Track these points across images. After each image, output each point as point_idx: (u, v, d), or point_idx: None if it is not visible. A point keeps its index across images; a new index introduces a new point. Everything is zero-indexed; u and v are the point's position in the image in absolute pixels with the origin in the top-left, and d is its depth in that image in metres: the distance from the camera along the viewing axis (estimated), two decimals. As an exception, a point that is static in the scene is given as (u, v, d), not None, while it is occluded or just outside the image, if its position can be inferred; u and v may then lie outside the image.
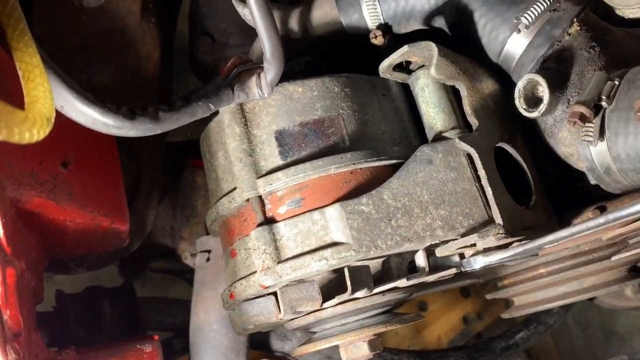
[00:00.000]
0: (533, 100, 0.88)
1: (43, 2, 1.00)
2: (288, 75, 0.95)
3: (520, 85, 0.88)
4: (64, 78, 0.72)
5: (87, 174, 0.91)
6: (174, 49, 1.38)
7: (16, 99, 0.64)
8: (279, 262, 0.86)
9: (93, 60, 1.08)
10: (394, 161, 0.93)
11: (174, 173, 1.41)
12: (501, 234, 0.86)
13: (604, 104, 0.81)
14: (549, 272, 1.22)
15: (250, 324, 0.94)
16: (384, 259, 0.94)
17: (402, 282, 0.90)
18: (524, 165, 0.99)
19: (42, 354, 0.84)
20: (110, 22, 1.04)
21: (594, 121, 0.81)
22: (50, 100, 0.61)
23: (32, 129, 0.51)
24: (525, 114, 0.88)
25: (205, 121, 0.98)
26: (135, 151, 1.17)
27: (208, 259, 1.24)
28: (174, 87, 1.41)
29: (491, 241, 0.86)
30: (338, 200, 0.87)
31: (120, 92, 1.12)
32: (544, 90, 0.85)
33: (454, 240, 0.89)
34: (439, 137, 0.94)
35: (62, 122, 0.70)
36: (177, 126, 0.84)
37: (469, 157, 0.91)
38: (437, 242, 0.89)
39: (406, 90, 1.02)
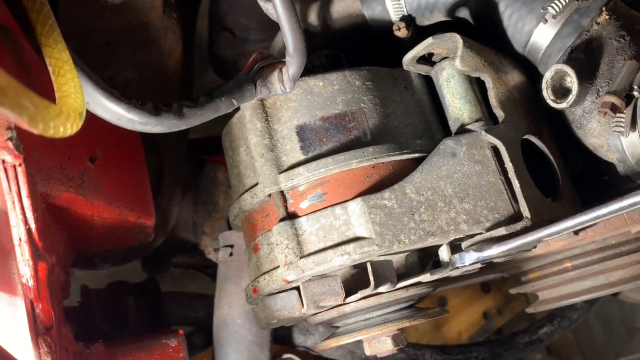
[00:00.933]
0: (561, 91, 0.87)
1: (68, 0, 1.01)
2: (308, 69, 0.94)
3: (547, 76, 0.87)
4: (90, 75, 0.73)
5: (113, 170, 0.91)
6: (194, 45, 1.38)
7: (44, 95, 0.64)
8: (301, 257, 0.86)
9: (116, 57, 1.09)
10: (416, 155, 0.92)
11: (195, 169, 1.42)
12: (529, 227, 0.85)
13: (635, 93, 0.80)
14: (575, 266, 1.20)
15: (274, 318, 0.95)
16: (407, 253, 0.94)
17: (426, 277, 0.89)
18: (551, 157, 0.98)
19: (72, 347, 0.85)
20: (133, 19, 1.05)
21: (625, 111, 0.80)
22: (81, 95, 0.62)
23: (66, 123, 0.51)
24: (553, 105, 0.87)
25: (227, 117, 0.98)
26: (158, 147, 1.17)
27: (231, 254, 1.24)
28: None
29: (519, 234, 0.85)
30: (360, 194, 0.87)
31: (143, 88, 1.13)
32: (572, 81, 0.84)
33: (479, 234, 0.88)
34: (463, 130, 0.93)
35: (88, 118, 0.71)
36: (201, 122, 0.84)
37: (494, 150, 0.90)
38: (462, 236, 0.88)
39: (428, 83, 1.01)
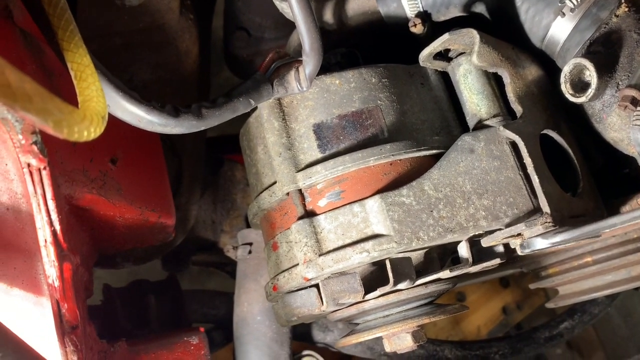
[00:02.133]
0: (580, 85, 0.86)
1: (86, 3, 1.02)
2: (325, 67, 0.94)
3: (566, 70, 0.86)
4: (110, 78, 0.74)
5: (134, 170, 0.92)
6: (210, 45, 1.39)
7: (65, 98, 0.65)
8: (320, 255, 0.86)
9: (134, 59, 1.10)
10: (434, 151, 0.92)
11: (213, 168, 1.43)
12: (549, 222, 0.84)
13: (656, 86, 0.79)
14: (596, 261, 1.19)
15: (294, 315, 0.95)
16: (426, 250, 0.94)
17: (445, 274, 0.89)
18: (570, 151, 0.97)
19: (96, 345, 0.87)
20: (151, 20, 1.06)
21: (645, 105, 0.79)
22: (102, 98, 0.63)
23: (89, 127, 0.52)
24: (571, 99, 0.86)
25: (244, 116, 0.98)
26: (177, 147, 1.18)
27: (250, 252, 1.25)
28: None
29: (538, 230, 0.85)
30: (378, 192, 0.87)
31: (161, 89, 1.14)
32: (591, 75, 0.83)
33: (499, 230, 0.88)
34: (481, 126, 0.93)
35: (109, 120, 0.72)
36: (219, 122, 0.85)
37: (513, 145, 0.90)
38: (481, 232, 0.88)
39: (445, 79, 1.01)
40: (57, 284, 0.69)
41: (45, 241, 0.67)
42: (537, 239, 0.87)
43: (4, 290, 0.74)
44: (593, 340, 2.74)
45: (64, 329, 0.71)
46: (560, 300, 1.28)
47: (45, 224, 0.67)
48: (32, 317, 0.74)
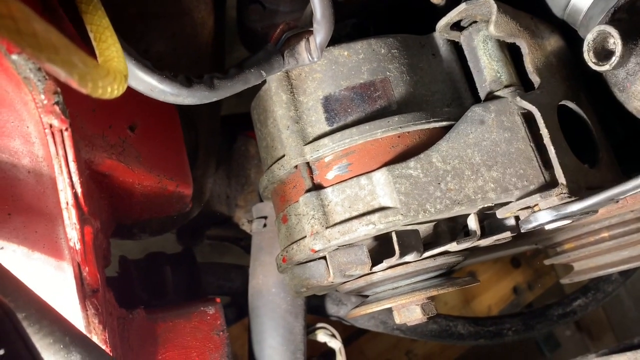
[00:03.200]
0: (603, 54, 0.84)
1: (102, -29, 1.01)
2: (334, 39, 0.93)
3: (589, 38, 0.84)
4: (124, 46, 0.73)
5: (152, 138, 0.92)
6: (225, 18, 1.38)
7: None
8: (327, 227, 0.86)
9: (150, 29, 1.09)
10: (444, 123, 0.91)
11: (228, 143, 1.43)
12: (564, 193, 0.83)
13: (683, 53, 0.77)
14: (612, 236, 1.18)
15: (303, 287, 0.96)
16: (435, 222, 0.93)
17: (452, 246, 0.89)
18: (589, 122, 0.96)
19: (115, 312, 0.88)
20: (167, -10, 1.05)
21: (672, 72, 0.77)
22: (123, 58, 0.63)
23: (113, 84, 0.52)
24: (595, 67, 0.84)
25: (255, 90, 0.98)
26: (193, 121, 1.18)
27: (265, 225, 1.25)
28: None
29: (554, 201, 0.84)
30: (385, 164, 0.86)
31: (176, 59, 1.13)
32: (616, 42, 0.82)
33: (514, 201, 0.87)
34: (492, 97, 0.91)
35: (127, 88, 0.72)
36: (231, 93, 0.85)
37: (525, 116, 0.88)
38: (490, 205, 0.87)
39: (457, 50, 0.99)
40: (78, 246, 0.70)
41: (67, 203, 0.68)
42: (541, 212, 0.85)
43: (25, 254, 0.74)
44: (603, 322, 2.74)
45: (85, 292, 0.72)
46: (576, 276, 1.28)
47: (67, 186, 0.67)
48: (53, 280, 0.75)
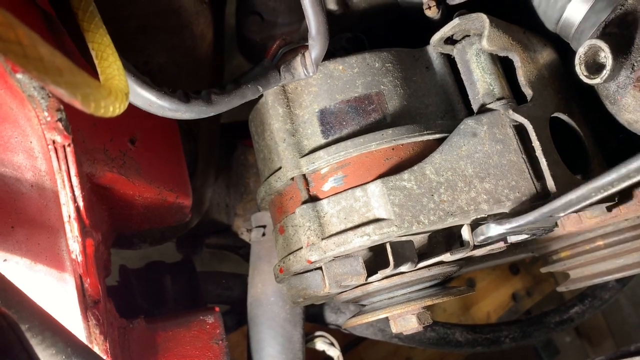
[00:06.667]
0: (595, 67, 0.86)
1: (103, -14, 1.03)
2: (330, 53, 0.95)
3: (581, 52, 0.86)
4: (123, 63, 0.75)
5: (152, 150, 0.94)
6: (224, 29, 1.40)
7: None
8: (323, 239, 0.88)
9: (151, 42, 1.11)
10: (437, 135, 0.92)
11: (227, 152, 1.45)
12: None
13: (671, 67, 0.79)
14: (607, 244, 1.19)
15: (300, 297, 0.97)
16: (430, 233, 0.94)
17: (446, 257, 0.90)
18: (581, 133, 0.97)
19: (116, 322, 0.89)
20: (167, 3, 1.06)
21: (660, 86, 0.79)
22: (124, 76, 0.64)
23: (115, 103, 0.53)
24: (586, 81, 0.86)
25: (255, 102, 1.00)
26: (192, 131, 1.20)
27: (264, 234, 1.27)
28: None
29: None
30: (380, 176, 0.88)
31: (176, 72, 1.15)
32: (606, 56, 0.83)
33: (507, 212, 0.88)
34: (484, 109, 0.93)
35: (128, 102, 0.73)
36: (228, 108, 0.87)
37: (516, 129, 0.90)
38: (483, 216, 0.88)
39: (451, 63, 1.01)
40: (80, 259, 0.71)
41: (69, 217, 0.69)
42: (491, 225, 0.84)
43: (28, 266, 0.76)
44: (603, 328, 2.75)
45: (87, 303, 0.73)
46: (572, 284, 1.29)
47: (69, 200, 0.69)
48: (55, 292, 0.76)
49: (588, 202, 0.76)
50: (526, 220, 0.82)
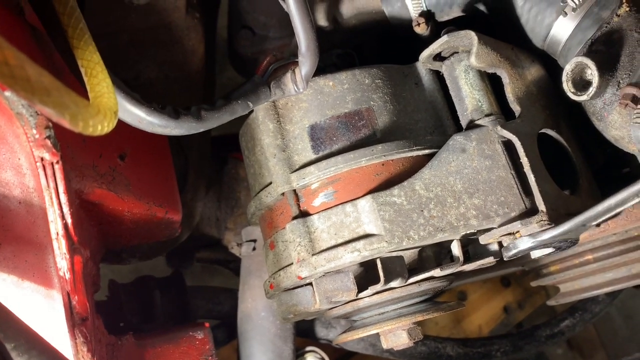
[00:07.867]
0: (581, 84, 0.87)
1: (94, 2, 1.03)
2: (320, 69, 0.95)
3: (568, 69, 0.87)
4: (113, 78, 0.75)
5: (142, 166, 0.94)
6: (215, 44, 1.41)
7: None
8: (313, 254, 0.88)
9: (141, 57, 1.11)
10: (427, 151, 0.93)
11: (217, 166, 1.45)
12: (544, 220, 0.85)
13: (656, 85, 0.80)
14: (597, 259, 1.20)
15: (290, 313, 0.97)
16: (420, 248, 0.95)
17: (436, 272, 0.90)
18: (569, 149, 0.98)
19: (104, 338, 0.88)
20: (157, 19, 1.07)
21: (646, 103, 0.80)
22: (113, 94, 0.64)
23: (103, 122, 0.54)
24: (573, 97, 0.87)
25: (245, 116, 1.00)
26: (182, 145, 1.20)
27: (254, 248, 1.26)
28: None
29: (534, 228, 0.86)
30: (370, 192, 0.88)
31: (167, 87, 1.15)
32: (593, 73, 0.84)
33: (495, 228, 0.88)
34: (473, 125, 0.93)
35: (117, 117, 0.73)
36: (218, 124, 0.87)
37: (505, 145, 0.90)
38: (473, 231, 0.88)
39: (440, 79, 1.02)
40: (67, 276, 0.71)
41: (57, 234, 0.69)
42: (522, 239, 0.86)
43: (15, 283, 0.75)
44: (594, 340, 2.75)
45: (75, 321, 0.73)
46: (562, 298, 1.29)
47: (57, 217, 0.68)
48: (43, 309, 0.75)
49: (626, 205, 0.77)
50: (559, 231, 0.83)
